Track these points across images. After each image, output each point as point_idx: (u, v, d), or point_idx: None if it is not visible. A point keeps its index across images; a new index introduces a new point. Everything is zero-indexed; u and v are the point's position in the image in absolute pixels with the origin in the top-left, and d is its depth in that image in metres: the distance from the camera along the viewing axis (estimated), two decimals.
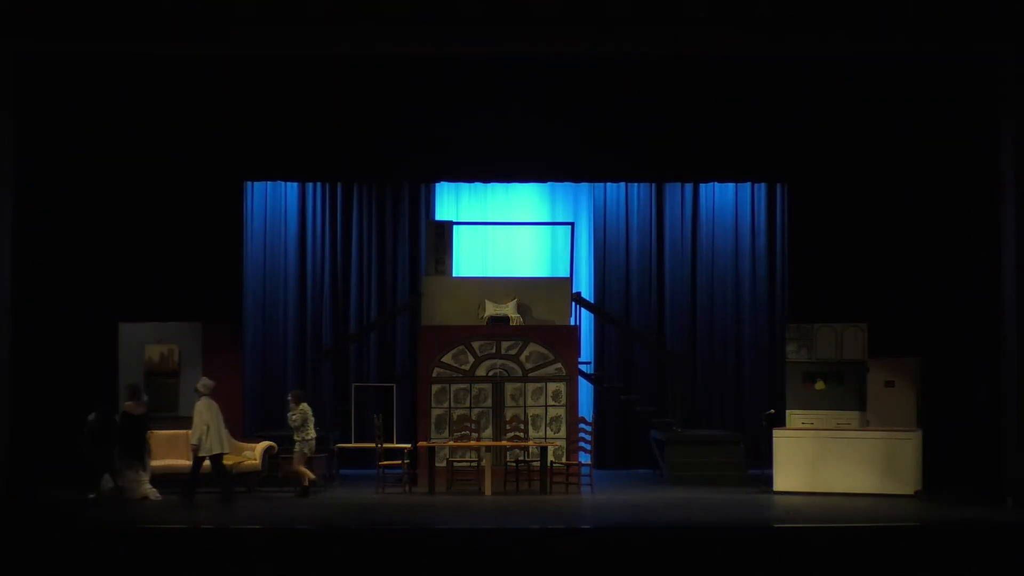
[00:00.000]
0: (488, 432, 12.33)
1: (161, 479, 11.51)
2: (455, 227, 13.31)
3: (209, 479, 11.38)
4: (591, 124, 12.49)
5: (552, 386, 12.39)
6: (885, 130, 12.33)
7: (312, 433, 11.74)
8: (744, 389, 14.29)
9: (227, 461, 11.62)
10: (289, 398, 11.92)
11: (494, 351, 12.43)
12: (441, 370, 12.44)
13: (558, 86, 12.30)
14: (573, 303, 12.84)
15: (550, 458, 12.06)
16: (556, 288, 13.05)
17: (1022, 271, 11.45)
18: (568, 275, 13.35)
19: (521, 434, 12.25)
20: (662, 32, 11.81)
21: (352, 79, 12.27)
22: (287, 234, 14.34)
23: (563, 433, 12.41)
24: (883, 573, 8.94)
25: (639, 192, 14.57)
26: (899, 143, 12.35)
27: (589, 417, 12.72)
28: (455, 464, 12.24)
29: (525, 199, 14.50)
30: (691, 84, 12.37)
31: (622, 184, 14.42)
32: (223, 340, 12.80)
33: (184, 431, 11.67)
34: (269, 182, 14.07)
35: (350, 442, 14.01)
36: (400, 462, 12.55)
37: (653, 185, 14.42)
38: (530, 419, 12.37)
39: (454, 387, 12.43)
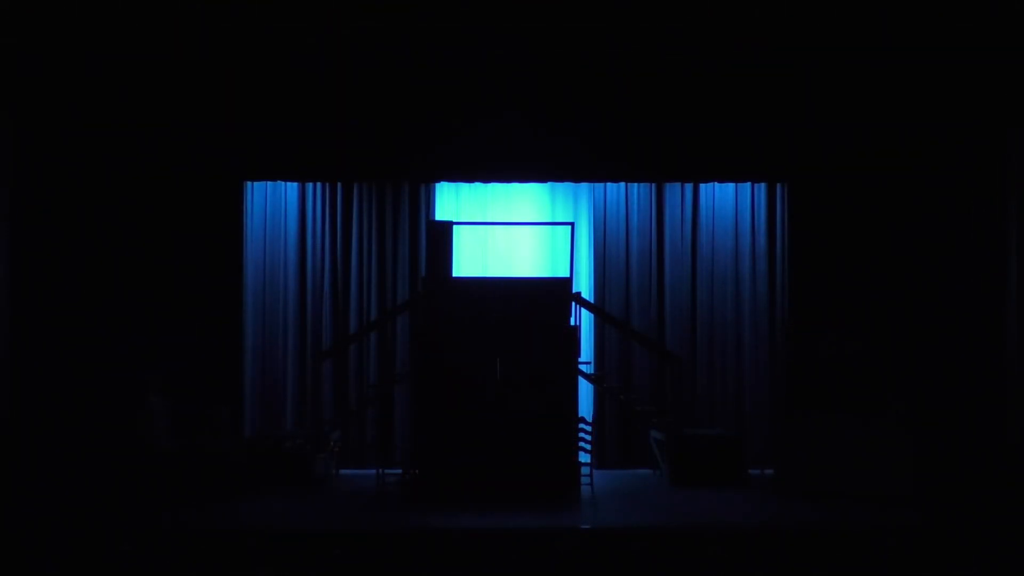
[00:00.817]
0: None
1: None
2: (455, 227, 13.28)
3: None
4: (591, 124, 12.49)
5: None
6: (887, 130, 12.33)
7: None
8: (744, 389, 14.28)
9: None
10: None
11: None
12: None
13: (558, 86, 12.30)
14: (573, 303, 12.81)
15: None
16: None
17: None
18: (568, 275, 13.33)
19: None
20: (662, 31, 11.84)
21: (352, 79, 12.27)
22: (287, 234, 14.34)
23: None
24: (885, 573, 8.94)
25: (639, 192, 14.57)
26: (902, 144, 12.34)
27: (589, 417, 12.71)
28: None
29: (525, 199, 14.49)
30: (692, 83, 12.36)
31: (622, 184, 14.43)
32: None
33: None
34: (269, 182, 14.08)
35: (350, 442, 14.04)
36: (400, 462, 12.57)
37: (653, 185, 14.41)
38: None
39: None
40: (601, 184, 14.39)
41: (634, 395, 13.92)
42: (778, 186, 14.12)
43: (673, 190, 14.43)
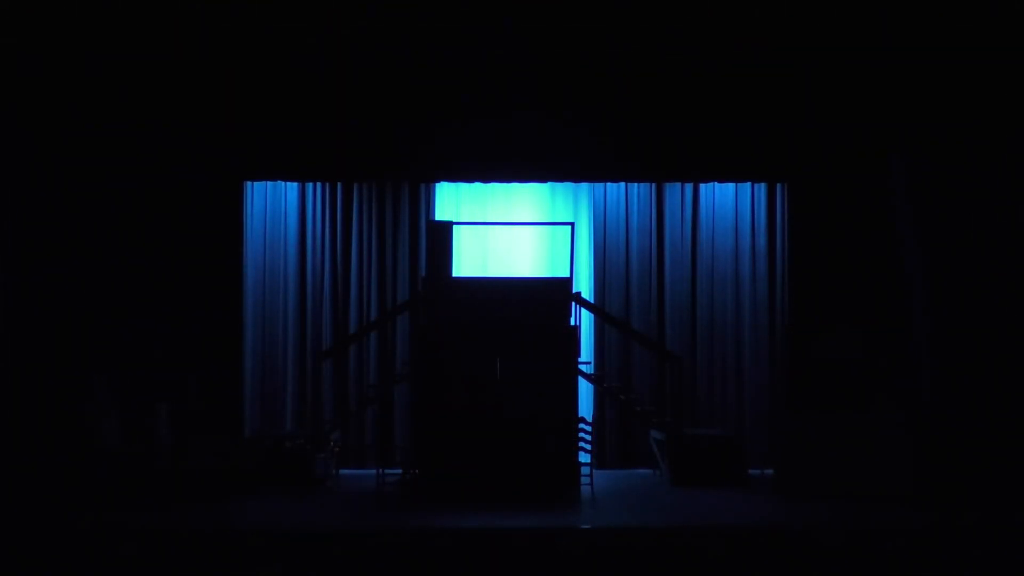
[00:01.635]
0: None
1: None
2: (455, 227, 13.28)
3: None
4: (591, 124, 12.49)
5: None
6: (886, 129, 12.33)
7: None
8: (744, 389, 14.28)
9: None
10: None
11: None
12: None
13: (558, 86, 12.30)
14: (573, 303, 12.81)
15: None
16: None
17: None
18: (568, 275, 13.33)
19: None
20: (662, 31, 11.84)
21: (352, 79, 12.27)
22: (287, 234, 14.34)
23: None
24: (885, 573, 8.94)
25: (639, 192, 14.57)
26: (903, 144, 12.35)
27: (589, 417, 12.71)
28: None
29: (525, 199, 14.49)
30: (692, 83, 12.36)
31: (622, 184, 14.43)
32: None
33: None
34: (269, 182, 14.08)
35: (349, 442, 14.04)
36: (400, 462, 12.58)
37: (653, 185, 14.42)
38: None
39: None
40: (601, 184, 14.39)
41: (634, 395, 13.92)
42: (778, 186, 14.13)
43: (673, 190, 14.43)
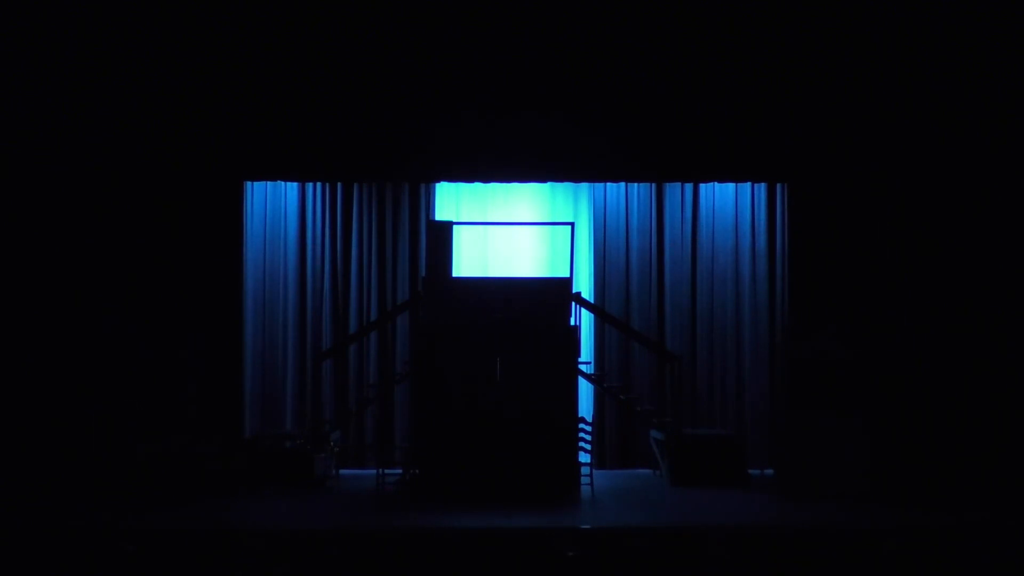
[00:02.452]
0: None
1: None
2: (455, 227, 13.28)
3: None
4: (590, 124, 12.49)
5: None
6: (887, 129, 12.32)
7: None
8: (744, 389, 14.28)
9: None
10: None
11: None
12: None
13: (558, 86, 12.30)
14: (573, 303, 12.81)
15: None
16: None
17: None
18: (568, 275, 13.32)
19: None
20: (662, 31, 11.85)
21: (352, 79, 12.27)
22: (287, 234, 14.34)
23: None
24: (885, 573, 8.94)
25: (639, 192, 14.57)
26: (903, 144, 12.33)
27: (589, 417, 12.71)
28: None
29: (525, 199, 14.49)
30: (692, 83, 12.36)
31: (622, 184, 14.43)
32: None
33: None
34: (269, 182, 14.08)
35: (349, 442, 14.04)
36: (400, 462, 12.58)
37: (653, 185, 14.41)
38: None
39: None
40: (601, 184, 14.39)
41: (634, 395, 13.92)
42: (778, 186, 14.12)
43: (673, 190, 14.43)
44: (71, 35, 11.82)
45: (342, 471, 13.29)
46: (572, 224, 13.87)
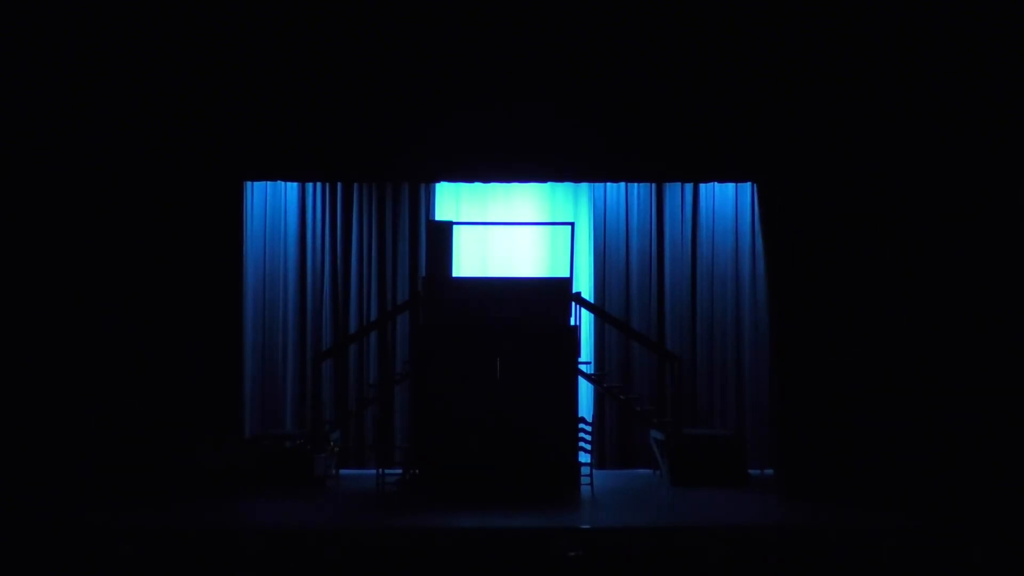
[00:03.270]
0: None
1: None
2: (455, 227, 13.29)
3: None
4: (588, 124, 12.47)
5: None
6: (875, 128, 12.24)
7: None
8: (744, 389, 14.29)
9: None
10: None
11: None
12: None
13: (557, 85, 12.30)
14: (573, 303, 12.81)
15: None
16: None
17: None
18: (568, 275, 13.33)
19: None
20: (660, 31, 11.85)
21: (352, 79, 12.27)
22: (287, 234, 14.35)
23: None
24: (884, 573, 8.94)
25: (639, 192, 14.58)
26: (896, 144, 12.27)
27: (589, 417, 12.71)
28: None
29: (525, 199, 14.50)
30: (687, 81, 12.32)
31: (622, 184, 14.43)
32: None
33: None
34: (269, 182, 14.08)
35: (349, 442, 14.04)
36: (399, 462, 12.58)
37: (653, 185, 14.42)
38: None
39: None
40: (601, 184, 14.39)
41: (634, 395, 13.92)
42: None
43: (673, 190, 14.43)
44: (71, 35, 11.81)
45: (342, 471, 13.29)
46: (572, 224, 13.88)
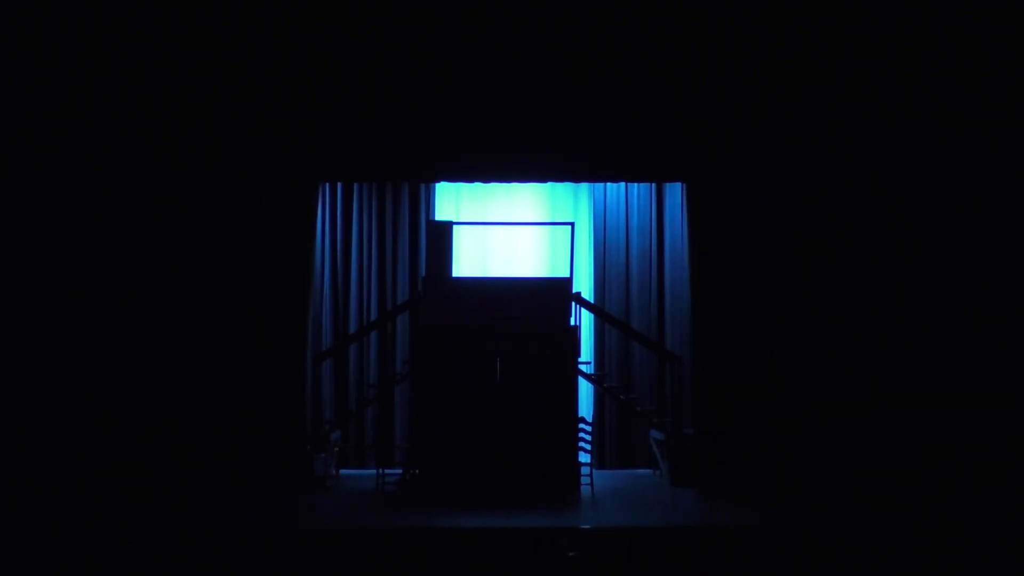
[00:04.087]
0: None
1: None
2: (455, 227, 13.30)
3: None
4: (593, 122, 12.46)
5: None
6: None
7: None
8: None
9: None
10: None
11: None
12: None
13: (557, 85, 12.30)
14: (573, 303, 12.82)
15: None
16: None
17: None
18: (568, 275, 13.33)
19: None
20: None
21: (351, 78, 12.26)
22: None
23: None
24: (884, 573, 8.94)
25: (639, 192, 14.58)
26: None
27: (589, 417, 12.72)
28: None
29: (525, 199, 14.50)
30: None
31: (622, 184, 14.43)
32: None
33: None
34: None
35: (350, 442, 14.04)
36: (399, 462, 12.58)
37: (653, 185, 14.41)
38: None
39: None
40: (601, 184, 14.39)
41: (634, 395, 13.92)
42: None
43: (673, 190, 14.42)
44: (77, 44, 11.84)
45: (342, 471, 13.29)
46: (572, 224, 13.88)
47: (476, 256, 14.40)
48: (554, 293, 12.58)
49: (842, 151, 11.99)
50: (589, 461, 12.41)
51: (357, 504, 11.39)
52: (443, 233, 12.97)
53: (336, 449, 13.09)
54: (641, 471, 13.90)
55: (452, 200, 14.50)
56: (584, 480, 12.12)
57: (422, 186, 14.44)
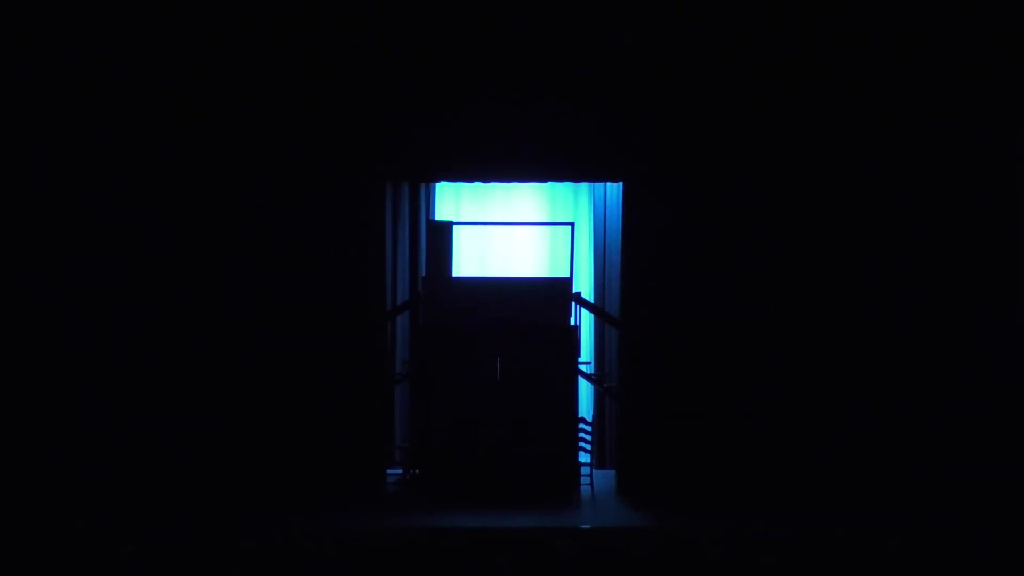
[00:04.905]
0: None
1: None
2: (455, 227, 13.30)
3: None
4: (593, 121, 12.45)
5: None
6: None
7: None
8: None
9: None
10: None
11: None
12: None
13: (556, 85, 12.29)
14: (573, 303, 12.81)
15: None
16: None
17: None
18: (568, 275, 13.32)
19: None
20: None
21: (351, 77, 12.26)
22: None
23: None
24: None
25: None
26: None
27: (589, 417, 12.71)
28: None
29: (525, 199, 14.48)
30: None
31: (621, 184, 14.38)
32: None
33: None
34: None
35: None
36: (400, 462, 12.57)
37: None
38: None
39: None
40: (601, 184, 14.37)
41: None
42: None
43: None
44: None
45: None
46: (572, 224, 13.87)
47: (476, 256, 14.39)
48: (554, 293, 12.57)
49: (824, 151, 11.91)
50: (589, 461, 12.41)
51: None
52: (443, 233, 12.97)
53: None
54: None
55: (452, 200, 14.48)
56: (584, 480, 12.11)
57: (422, 186, 14.42)
